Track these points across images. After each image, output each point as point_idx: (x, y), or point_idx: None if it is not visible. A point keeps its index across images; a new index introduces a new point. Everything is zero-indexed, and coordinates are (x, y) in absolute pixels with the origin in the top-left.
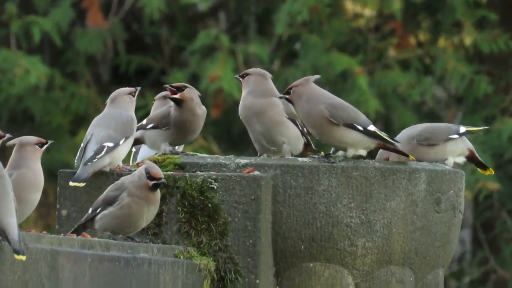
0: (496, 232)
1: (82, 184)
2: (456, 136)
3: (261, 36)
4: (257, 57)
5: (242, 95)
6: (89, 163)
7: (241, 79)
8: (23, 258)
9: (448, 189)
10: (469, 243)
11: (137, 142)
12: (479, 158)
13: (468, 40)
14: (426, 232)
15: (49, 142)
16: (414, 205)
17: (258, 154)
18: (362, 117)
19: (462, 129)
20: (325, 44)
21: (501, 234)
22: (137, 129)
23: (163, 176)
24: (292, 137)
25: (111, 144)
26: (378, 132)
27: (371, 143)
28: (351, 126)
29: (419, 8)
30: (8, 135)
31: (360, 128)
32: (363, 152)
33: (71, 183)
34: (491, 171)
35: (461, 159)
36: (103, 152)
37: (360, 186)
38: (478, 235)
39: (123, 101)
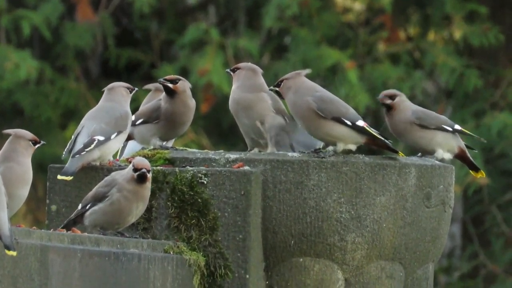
0: (486, 226)
1: (69, 178)
2: (449, 128)
3: (251, 30)
4: (247, 51)
5: (232, 88)
6: (77, 156)
7: (232, 73)
8: (14, 253)
9: (438, 184)
10: (459, 238)
11: (127, 138)
12: (470, 158)
13: (457, 34)
14: (416, 227)
15: (42, 142)
16: (404, 200)
17: (248, 148)
18: (351, 111)
19: (458, 126)
20: (315, 38)
21: (491, 228)
22: None
23: (147, 168)
24: None
25: (101, 138)
26: (367, 128)
27: (360, 139)
28: (339, 120)
29: (408, 2)
30: None
31: (348, 122)
32: (353, 147)
33: (59, 177)
34: (482, 174)
35: (449, 156)
36: (92, 145)
37: (350, 181)
38: (468, 229)
39: (119, 94)
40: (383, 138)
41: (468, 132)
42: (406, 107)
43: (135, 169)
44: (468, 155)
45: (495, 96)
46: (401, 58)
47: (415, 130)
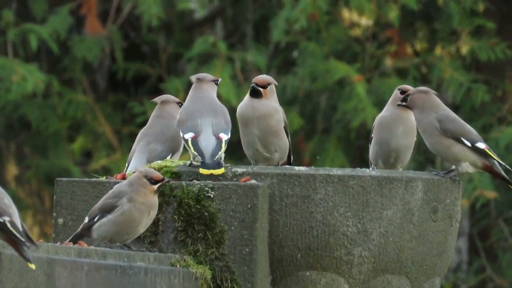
0: (493, 240)
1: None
2: (467, 143)
3: (259, 43)
4: (255, 64)
5: (248, 97)
6: (216, 159)
7: (262, 89)
8: (33, 266)
9: (444, 198)
10: (466, 252)
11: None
12: (502, 173)
13: (464, 49)
14: (423, 241)
15: None
16: (411, 214)
17: (250, 161)
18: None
19: (481, 145)
20: (323, 52)
21: (498, 242)
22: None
23: (161, 177)
24: (283, 147)
25: (226, 137)
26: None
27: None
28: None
29: (415, 17)
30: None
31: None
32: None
33: (204, 171)
34: None
35: (472, 169)
36: (224, 147)
37: (356, 195)
38: (475, 243)
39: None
40: (498, 162)
41: (491, 154)
42: (432, 105)
43: (155, 181)
44: (497, 170)
45: (502, 110)
46: (408, 72)
47: (435, 134)
